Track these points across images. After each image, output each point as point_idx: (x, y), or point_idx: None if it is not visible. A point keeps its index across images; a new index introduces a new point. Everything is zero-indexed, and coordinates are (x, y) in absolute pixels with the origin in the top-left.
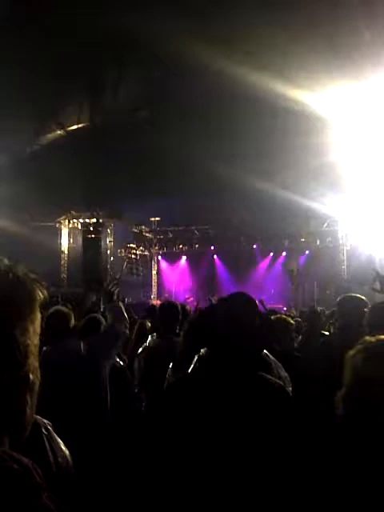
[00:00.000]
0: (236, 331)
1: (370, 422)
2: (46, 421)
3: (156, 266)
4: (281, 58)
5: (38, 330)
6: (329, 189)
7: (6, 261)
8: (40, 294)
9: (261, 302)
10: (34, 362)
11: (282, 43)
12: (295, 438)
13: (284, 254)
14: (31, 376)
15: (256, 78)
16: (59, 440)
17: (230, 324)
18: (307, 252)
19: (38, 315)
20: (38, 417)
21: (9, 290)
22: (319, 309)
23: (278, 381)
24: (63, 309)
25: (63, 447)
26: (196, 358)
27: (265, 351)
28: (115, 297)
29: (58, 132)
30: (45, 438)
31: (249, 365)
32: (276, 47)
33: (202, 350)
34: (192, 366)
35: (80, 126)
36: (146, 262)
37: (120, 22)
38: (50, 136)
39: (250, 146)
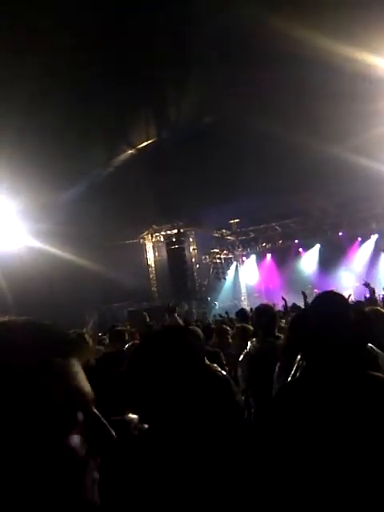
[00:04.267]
0: (332, 332)
1: None
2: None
3: (242, 267)
4: (350, 21)
5: None
6: None
7: None
8: None
9: (367, 285)
10: None
11: (350, 6)
12: None
13: (372, 236)
14: None
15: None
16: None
17: (324, 326)
18: None
19: None
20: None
21: None
22: None
23: None
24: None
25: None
26: (295, 363)
27: (370, 345)
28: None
29: (129, 151)
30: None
31: (354, 364)
32: (344, 10)
33: (298, 356)
34: (293, 371)
35: (149, 141)
36: (232, 264)
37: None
38: (122, 157)
39: (322, 112)
